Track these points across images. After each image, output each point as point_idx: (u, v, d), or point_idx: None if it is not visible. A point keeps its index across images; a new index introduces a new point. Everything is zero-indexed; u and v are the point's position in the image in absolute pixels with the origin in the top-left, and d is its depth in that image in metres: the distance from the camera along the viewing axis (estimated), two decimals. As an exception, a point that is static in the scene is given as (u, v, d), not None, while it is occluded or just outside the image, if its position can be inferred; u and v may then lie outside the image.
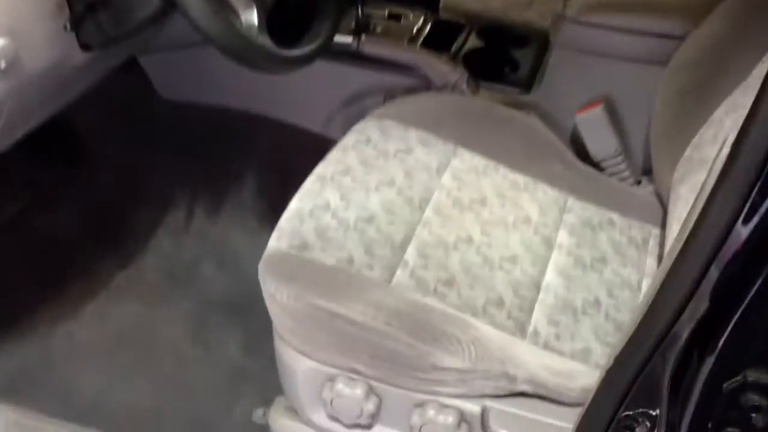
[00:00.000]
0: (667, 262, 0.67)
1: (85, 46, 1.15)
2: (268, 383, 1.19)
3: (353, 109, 1.59)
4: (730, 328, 0.61)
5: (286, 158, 1.71)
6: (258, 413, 1.35)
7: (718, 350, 0.61)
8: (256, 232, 1.64)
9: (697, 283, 0.63)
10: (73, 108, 1.35)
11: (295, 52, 1.16)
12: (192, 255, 1.65)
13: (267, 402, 1.21)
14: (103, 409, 1.37)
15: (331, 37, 1.26)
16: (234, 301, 1.55)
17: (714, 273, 0.62)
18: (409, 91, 1.48)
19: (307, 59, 1.19)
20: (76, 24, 1.10)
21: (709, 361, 0.62)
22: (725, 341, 0.61)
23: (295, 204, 1.11)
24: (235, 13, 1.10)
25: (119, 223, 1.70)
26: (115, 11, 1.13)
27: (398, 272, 1.04)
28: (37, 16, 1.04)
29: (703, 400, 0.63)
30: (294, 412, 1.11)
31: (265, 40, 1.11)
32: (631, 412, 0.70)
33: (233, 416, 1.38)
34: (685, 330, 0.64)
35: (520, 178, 1.22)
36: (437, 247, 1.08)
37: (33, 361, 1.44)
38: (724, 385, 0.62)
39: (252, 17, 1.10)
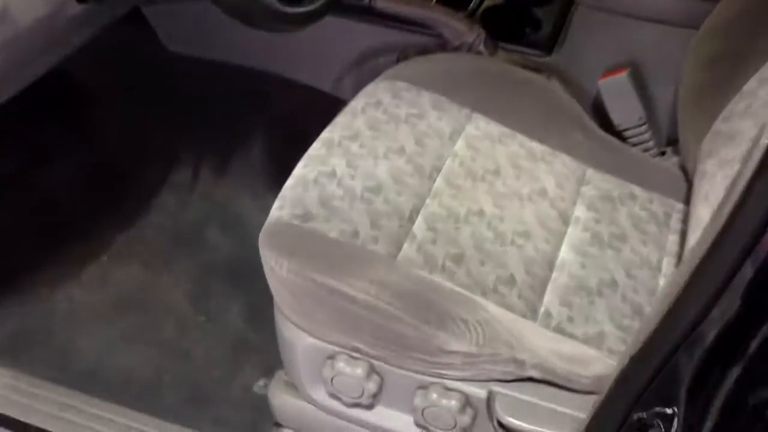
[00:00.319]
0: (696, 255, 0.61)
1: (80, -2, 1.09)
2: (270, 353, 1.16)
3: (365, 69, 1.53)
4: (761, 334, 0.55)
5: (294, 118, 1.66)
6: (259, 383, 1.33)
7: (746, 358, 0.56)
8: (262, 194, 1.59)
9: (728, 281, 0.57)
10: (71, 61, 1.29)
11: (301, 9, 1.10)
12: (196, 217, 1.61)
13: (268, 372, 1.18)
14: (101, 375, 1.35)
15: (340, -7, 1.19)
16: (237, 268, 1.52)
17: (748, 271, 0.56)
18: (424, 50, 1.42)
19: (313, 17, 1.12)
20: (69, -26, 1.05)
21: (735, 371, 0.57)
22: (756, 349, 0.56)
23: (299, 170, 1.06)
24: (236, -33, 1.03)
25: (121, 182, 1.66)
26: (111, -39, 1.07)
27: (405, 246, 0.99)
28: (25, -35, 1.00)
29: (725, 412, 0.58)
30: (294, 387, 1.08)
31: (270, -4, 1.05)
32: (645, 414, 0.65)
33: (234, 386, 1.35)
34: (710, 332, 0.59)
35: (537, 147, 1.16)
36: (447, 220, 1.03)
37: (31, 324, 1.42)
38: (750, 398, 0.56)
39: (255, -29, 1.04)
